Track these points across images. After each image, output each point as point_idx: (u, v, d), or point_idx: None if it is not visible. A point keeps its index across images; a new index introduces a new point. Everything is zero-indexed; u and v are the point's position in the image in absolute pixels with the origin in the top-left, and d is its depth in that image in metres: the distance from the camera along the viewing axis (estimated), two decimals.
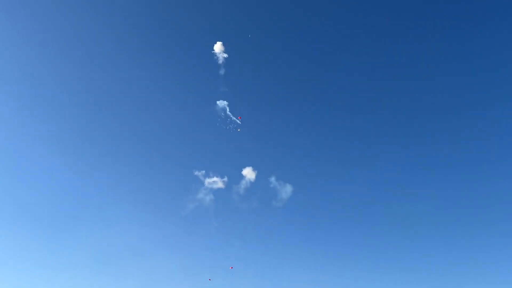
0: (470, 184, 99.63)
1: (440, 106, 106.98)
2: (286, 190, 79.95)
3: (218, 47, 66.89)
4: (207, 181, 76.39)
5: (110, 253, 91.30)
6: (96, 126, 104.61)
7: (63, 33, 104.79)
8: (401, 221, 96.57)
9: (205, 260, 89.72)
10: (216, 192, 78.31)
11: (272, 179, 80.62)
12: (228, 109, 68.07)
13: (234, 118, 67.52)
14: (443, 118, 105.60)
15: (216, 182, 75.69)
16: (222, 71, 68.00)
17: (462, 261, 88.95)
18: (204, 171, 77.61)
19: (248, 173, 73.73)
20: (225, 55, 66.86)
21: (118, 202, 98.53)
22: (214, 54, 67.22)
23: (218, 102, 67.64)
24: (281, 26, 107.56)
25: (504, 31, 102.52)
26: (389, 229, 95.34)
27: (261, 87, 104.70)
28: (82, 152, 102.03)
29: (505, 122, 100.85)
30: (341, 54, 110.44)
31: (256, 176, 75.26)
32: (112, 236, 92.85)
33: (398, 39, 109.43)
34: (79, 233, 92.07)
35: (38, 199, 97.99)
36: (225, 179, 76.62)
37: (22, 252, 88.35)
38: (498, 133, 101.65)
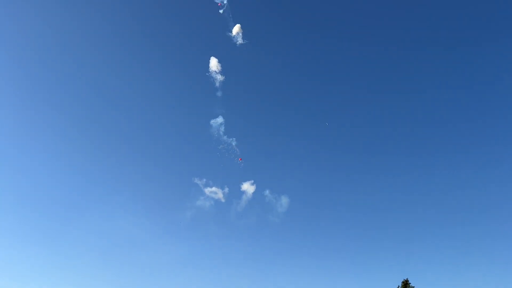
0: (469, 188, 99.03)
1: (439, 112, 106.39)
2: (282, 203, 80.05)
3: (213, 63, 66.81)
4: (207, 190, 76.98)
5: (110, 251, 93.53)
6: (103, 131, 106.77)
7: (64, 36, 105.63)
8: (400, 228, 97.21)
9: (203, 260, 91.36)
10: (216, 202, 78.71)
11: (267, 192, 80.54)
12: (223, 127, 68.03)
13: (225, 137, 67.47)
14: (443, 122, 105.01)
15: (215, 192, 76.16)
16: (219, 93, 68.02)
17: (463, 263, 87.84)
18: (204, 180, 78.26)
19: (248, 187, 73.80)
20: (222, 78, 66.80)
21: (120, 201, 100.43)
22: (212, 73, 67.13)
23: (212, 121, 67.70)
24: (274, 44, 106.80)
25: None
26: (390, 237, 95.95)
27: (259, 92, 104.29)
28: (87, 155, 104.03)
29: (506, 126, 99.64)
30: (335, 66, 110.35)
31: (255, 190, 75.28)
32: (112, 233, 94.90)
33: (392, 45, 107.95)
34: (83, 231, 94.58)
35: (43, 202, 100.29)
36: (226, 190, 76.88)
37: (31, 248, 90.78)
38: (500, 138, 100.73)
